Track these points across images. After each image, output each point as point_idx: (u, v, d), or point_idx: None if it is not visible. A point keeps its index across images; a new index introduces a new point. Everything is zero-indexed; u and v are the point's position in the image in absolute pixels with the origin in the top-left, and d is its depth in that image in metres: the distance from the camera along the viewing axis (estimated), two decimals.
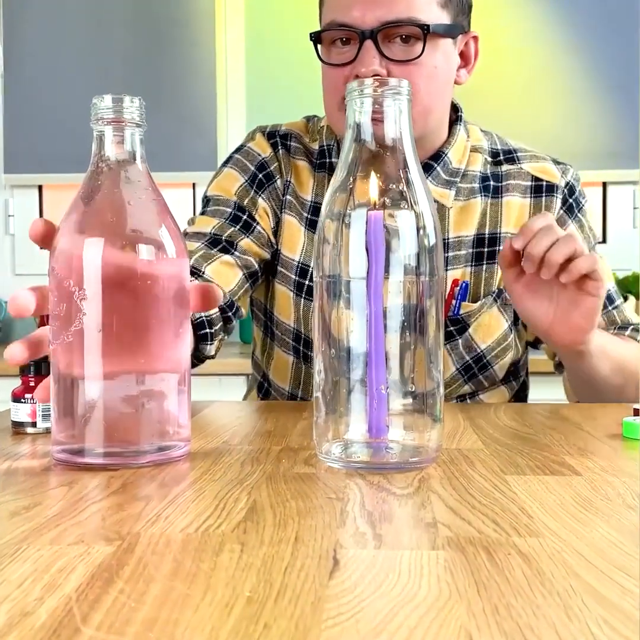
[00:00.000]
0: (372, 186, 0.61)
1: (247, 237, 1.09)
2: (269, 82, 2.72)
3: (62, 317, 0.58)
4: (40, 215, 2.87)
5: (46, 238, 0.62)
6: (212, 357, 1.03)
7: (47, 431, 0.71)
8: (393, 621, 0.33)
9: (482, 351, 1.12)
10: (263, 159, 1.14)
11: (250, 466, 0.62)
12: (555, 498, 0.52)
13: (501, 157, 1.14)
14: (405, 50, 0.99)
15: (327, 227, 0.62)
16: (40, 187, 2.86)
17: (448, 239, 1.10)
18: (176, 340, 0.61)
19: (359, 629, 0.32)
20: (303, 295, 1.13)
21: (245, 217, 1.10)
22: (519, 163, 1.14)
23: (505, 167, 1.13)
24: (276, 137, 1.16)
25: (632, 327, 1.11)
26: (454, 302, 1.10)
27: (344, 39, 1.01)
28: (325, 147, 1.13)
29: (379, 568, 0.39)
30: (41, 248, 0.62)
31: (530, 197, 1.12)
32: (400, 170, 0.61)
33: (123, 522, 0.47)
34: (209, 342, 0.99)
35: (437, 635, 0.32)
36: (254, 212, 1.11)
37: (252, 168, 1.13)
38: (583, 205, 1.14)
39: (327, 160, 1.12)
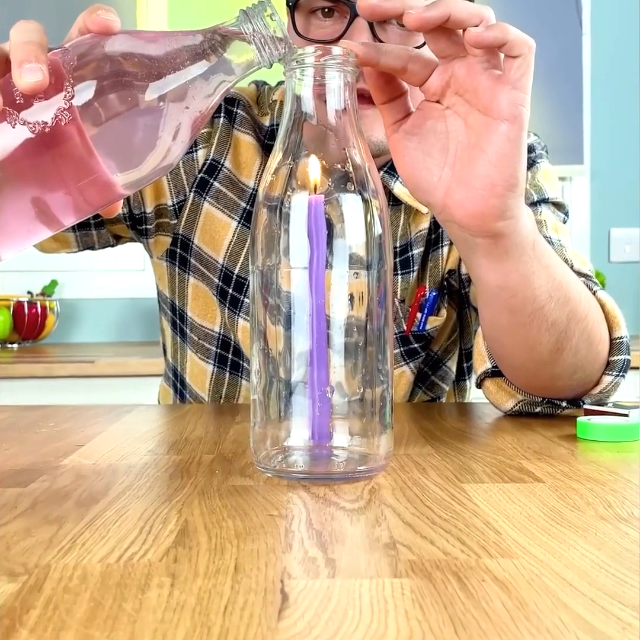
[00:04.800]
0: (314, 167, 0.55)
1: None
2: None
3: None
4: None
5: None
6: None
7: None
8: None
9: (435, 353, 1.00)
10: None
11: (180, 479, 0.55)
12: (520, 509, 0.47)
13: None
14: (402, 35, 0.79)
15: (263, 212, 0.56)
16: None
17: (411, 237, 0.95)
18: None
19: None
20: (227, 305, 0.96)
21: None
22: None
23: None
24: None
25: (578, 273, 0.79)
26: (419, 315, 0.95)
27: (327, 10, 0.82)
28: (276, 128, 0.95)
29: (336, 603, 0.34)
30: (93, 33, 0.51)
31: None
32: (346, 149, 0.55)
33: (31, 551, 0.40)
34: None
35: None
36: None
37: None
38: (537, 163, 0.96)
39: None
